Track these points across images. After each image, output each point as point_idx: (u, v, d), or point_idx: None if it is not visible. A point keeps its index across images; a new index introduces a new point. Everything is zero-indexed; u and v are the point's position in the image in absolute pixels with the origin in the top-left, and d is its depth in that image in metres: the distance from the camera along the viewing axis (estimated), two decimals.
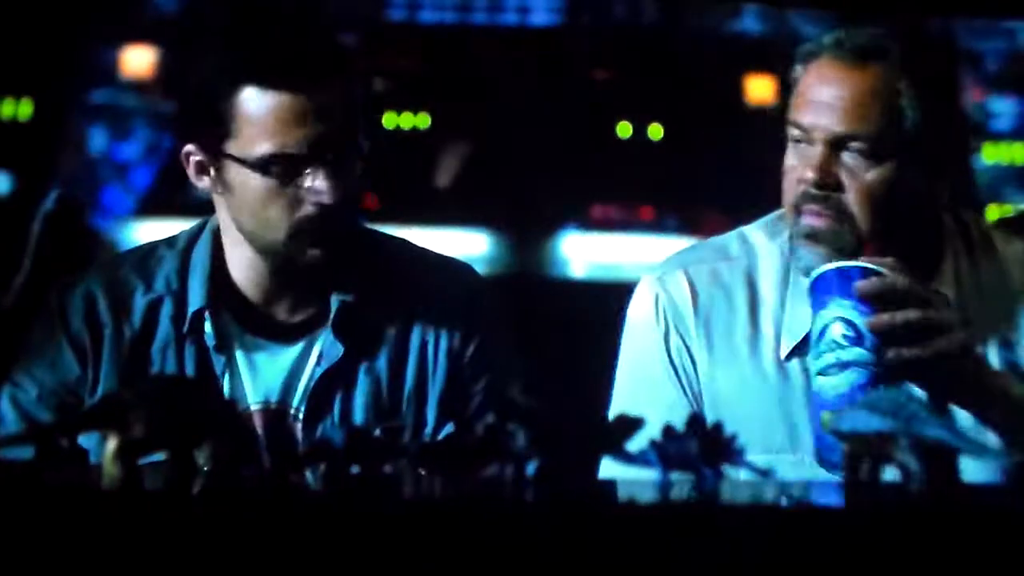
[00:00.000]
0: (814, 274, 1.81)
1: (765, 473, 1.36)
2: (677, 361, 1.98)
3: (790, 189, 1.94)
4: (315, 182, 1.91)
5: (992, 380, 1.87)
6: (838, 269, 1.78)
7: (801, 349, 1.93)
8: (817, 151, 1.91)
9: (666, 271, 2.03)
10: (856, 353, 1.73)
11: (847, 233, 1.90)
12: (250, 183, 1.93)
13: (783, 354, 1.96)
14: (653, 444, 1.33)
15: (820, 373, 1.75)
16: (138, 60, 6.99)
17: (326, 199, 1.91)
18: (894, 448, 1.37)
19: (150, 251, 2.08)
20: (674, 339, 1.99)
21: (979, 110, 7.37)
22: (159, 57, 6.66)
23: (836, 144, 1.91)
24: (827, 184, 1.90)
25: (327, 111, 1.92)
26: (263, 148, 1.91)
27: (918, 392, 1.78)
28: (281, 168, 1.92)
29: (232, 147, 1.93)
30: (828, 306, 1.76)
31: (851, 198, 1.90)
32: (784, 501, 1.38)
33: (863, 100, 1.91)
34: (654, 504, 1.32)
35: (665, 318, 2.00)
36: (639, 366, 2.01)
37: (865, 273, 1.77)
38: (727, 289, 2.00)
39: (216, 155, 1.95)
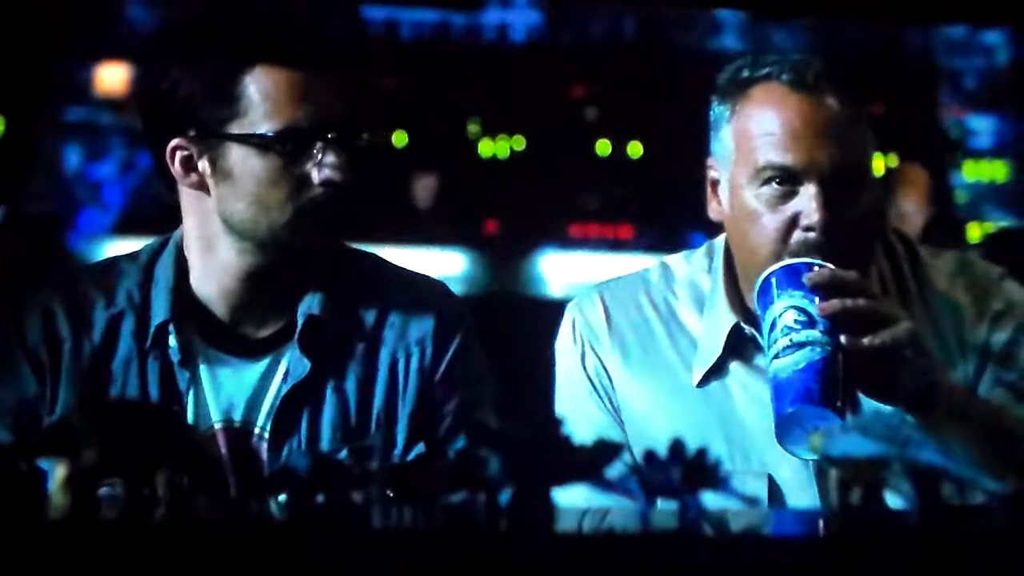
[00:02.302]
0: (762, 275, 1.80)
1: (752, 501, 1.33)
2: (595, 378, 2.01)
3: (774, 236, 1.85)
4: (324, 158, 1.91)
5: (963, 395, 1.84)
6: (785, 266, 1.79)
7: (715, 374, 1.95)
8: (810, 192, 1.83)
9: (584, 296, 2.07)
10: (809, 334, 1.73)
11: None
12: (254, 165, 1.91)
13: (696, 380, 1.96)
14: (634, 471, 1.29)
15: (776, 357, 1.74)
16: (113, 77, 6.96)
17: (335, 176, 1.91)
18: (887, 473, 1.33)
19: (110, 265, 2.04)
20: (590, 358, 2.02)
21: (958, 128, 7.39)
22: (134, 74, 6.63)
23: (830, 179, 1.82)
24: (833, 227, 1.82)
25: (335, 89, 1.94)
26: (272, 125, 1.90)
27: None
28: (289, 145, 1.90)
29: (236, 128, 1.92)
30: (779, 299, 1.77)
31: (844, 234, 1.83)
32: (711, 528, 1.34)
33: (842, 127, 1.84)
34: (634, 533, 1.29)
35: (581, 339, 2.03)
36: (564, 387, 2.04)
37: (812, 267, 1.78)
38: (643, 311, 2.02)
39: (213, 142, 1.92)
